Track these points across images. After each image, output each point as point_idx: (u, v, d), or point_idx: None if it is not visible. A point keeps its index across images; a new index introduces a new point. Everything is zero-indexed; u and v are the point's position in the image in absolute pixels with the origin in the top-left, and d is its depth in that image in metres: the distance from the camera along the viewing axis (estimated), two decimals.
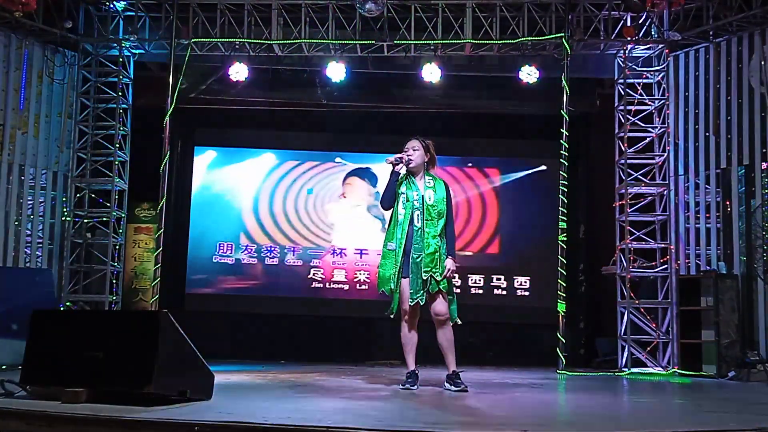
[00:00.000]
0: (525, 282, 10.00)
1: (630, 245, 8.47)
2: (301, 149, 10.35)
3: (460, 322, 5.16)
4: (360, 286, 10.01)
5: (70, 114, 8.90)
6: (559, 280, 8.19)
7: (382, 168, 9.86)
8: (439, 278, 5.05)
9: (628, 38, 8.55)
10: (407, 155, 5.22)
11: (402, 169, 5.21)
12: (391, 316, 5.20)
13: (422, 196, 5.18)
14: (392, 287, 5.12)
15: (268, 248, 10.09)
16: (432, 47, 8.76)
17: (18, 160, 8.33)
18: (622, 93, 8.69)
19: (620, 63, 8.77)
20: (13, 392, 3.86)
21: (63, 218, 8.79)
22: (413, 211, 5.14)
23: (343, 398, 4.54)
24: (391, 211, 5.28)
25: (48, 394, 3.67)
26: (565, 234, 8.23)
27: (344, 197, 10.20)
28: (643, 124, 8.71)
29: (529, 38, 8.58)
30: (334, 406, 4.03)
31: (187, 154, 10.28)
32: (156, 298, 8.47)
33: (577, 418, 3.93)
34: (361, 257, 10.04)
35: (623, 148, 8.61)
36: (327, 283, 10.04)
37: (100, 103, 8.95)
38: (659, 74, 8.70)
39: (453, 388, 5.03)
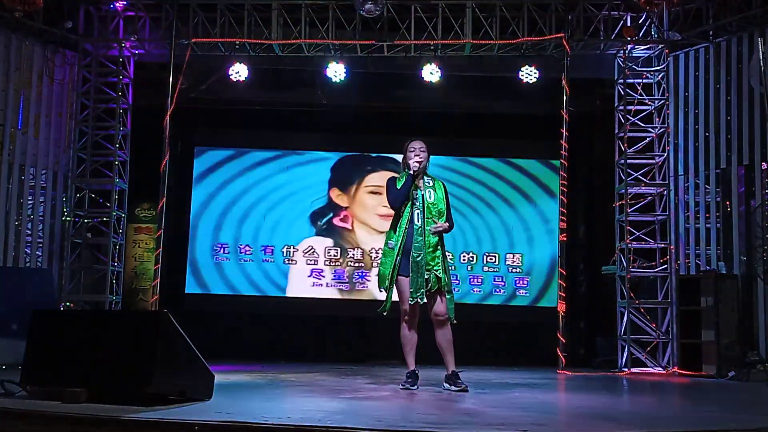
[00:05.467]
0: (525, 282, 10.00)
1: (630, 245, 8.47)
2: (301, 149, 10.34)
3: (455, 322, 5.16)
4: (360, 286, 10.01)
5: (70, 114, 8.91)
6: (559, 280, 8.20)
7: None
8: (440, 275, 5.05)
9: (628, 38, 8.56)
10: (418, 157, 5.22)
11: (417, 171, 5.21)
12: (384, 314, 5.19)
13: (422, 195, 5.19)
14: (387, 285, 5.13)
15: (268, 248, 10.09)
16: (432, 47, 8.76)
17: (18, 160, 8.34)
18: (622, 93, 8.70)
19: (620, 63, 8.78)
20: (13, 392, 3.86)
21: (63, 218, 8.79)
22: (413, 210, 5.15)
23: (343, 398, 4.54)
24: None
25: (48, 394, 3.67)
26: (565, 234, 8.24)
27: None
28: (643, 124, 8.72)
29: (529, 38, 8.58)
30: (334, 406, 4.03)
31: (187, 154, 10.28)
32: (156, 298, 8.47)
33: (577, 418, 3.93)
34: (361, 256, 10.05)
35: (623, 148, 8.62)
36: (327, 283, 10.04)
37: (100, 103, 8.95)
38: (659, 74, 8.70)
39: (453, 388, 5.03)
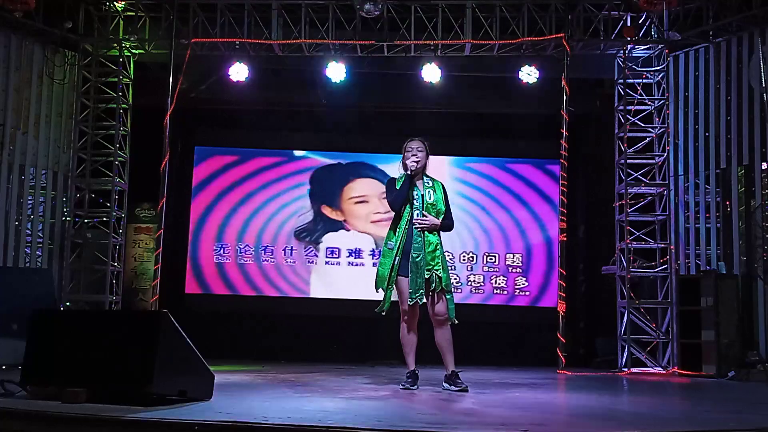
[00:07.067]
0: (525, 282, 10.01)
1: (630, 245, 8.47)
2: (301, 149, 10.34)
3: (457, 322, 5.16)
4: (360, 285, 10.00)
5: (70, 114, 8.91)
6: (559, 280, 8.20)
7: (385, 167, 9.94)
8: (441, 274, 5.05)
9: (628, 38, 8.56)
10: (415, 157, 5.21)
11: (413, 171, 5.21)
12: (383, 314, 5.19)
13: (421, 195, 5.19)
14: (386, 286, 5.13)
15: (268, 248, 10.08)
16: (432, 47, 8.76)
17: (18, 160, 8.33)
18: (622, 93, 8.70)
19: (620, 63, 8.77)
20: (13, 392, 3.87)
21: (63, 218, 8.79)
22: (412, 211, 5.15)
23: (343, 398, 4.54)
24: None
25: (48, 394, 3.67)
26: (565, 234, 8.24)
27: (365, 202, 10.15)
28: (643, 124, 8.72)
29: (529, 38, 8.58)
30: (334, 406, 4.04)
31: (187, 154, 10.28)
32: (156, 298, 8.47)
33: (577, 418, 3.93)
34: (360, 257, 10.04)
35: (623, 148, 8.62)
36: (327, 283, 10.03)
37: (100, 103, 8.95)
38: (659, 74, 8.70)
39: (453, 388, 5.04)
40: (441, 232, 5.25)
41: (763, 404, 4.94)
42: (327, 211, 10.16)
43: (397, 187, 5.23)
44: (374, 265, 9.81)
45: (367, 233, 10.04)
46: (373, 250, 9.96)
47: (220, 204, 10.18)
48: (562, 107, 8.33)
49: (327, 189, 10.21)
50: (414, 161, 5.18)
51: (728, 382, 7.01)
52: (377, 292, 5.23)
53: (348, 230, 10.08)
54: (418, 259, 5.07)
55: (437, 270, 5.07)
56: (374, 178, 10.07)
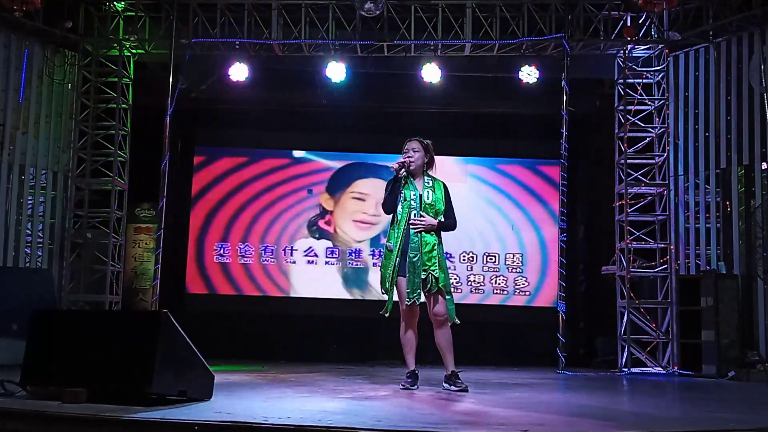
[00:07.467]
0: (525, 282, 10.01)
1: (630, 245, 8.47)
2: (300, 149, 10.34)
3: (458, 322, 5.16)
4: (360, 286, 10.00)
5: (70, 114, 8.91)
6: (559, 280, 8.20)
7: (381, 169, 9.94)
8: (438, 275, 5.04)
9: (628, 38, 8.56)
10: (408, 158, 5.21)
11: (403, 172, 5.20)
12: (386, 315, 5.20)
13: (420, 195, 5.18)
14: (387, 287, 5.13)
15: (268, 248, 10.09)
16: (432, 47, 8.76)
17: (18, 160, 8.33)
18: (622, 93, 8.70)
19: (620, 63, 8.77)
20: (13, 392, 3.87)
21: (63, 218, 8.79)
22: (410, 211, 5.14)
23: (343, 398, 4.54)
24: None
25: (48, 394, 3.67)
26: (565, 234, 8.24)
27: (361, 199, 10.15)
28: (642, 124, 8.72)
29: (529, 38, 8.58)
30: (334, 406, 4.04)
31: (187, 154, 10.28)
32: (156, 298, 8.46)
33: (577, 418, 3.93)
34: (359, 256, 10.05)
35: (623, 148, 8.62)
36: (327, 283, 10.02)
37: (100, 103, 8.95)
38: (659, 74, 8.70)
39: (453, 388, 5.04)
40: (442, 232, 5.24)
41: (763, 404, 4.94)
42: (324, 198, 10.16)
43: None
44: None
45: (334, 234, 10.04)
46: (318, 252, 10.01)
47: (220, 203, 10.18)
48: (562, 107, 8.33)
49: (335, 182, 10.21)
50: (400, 161, 5.18)
51: (728, 382, 7.01)
52: (382, 293, 5.23)
53: (330, 224, 10.07)
54: (415, 260, 5.07)
55: (433, 270, 5.06)
56: (383, 179, 10.02)
